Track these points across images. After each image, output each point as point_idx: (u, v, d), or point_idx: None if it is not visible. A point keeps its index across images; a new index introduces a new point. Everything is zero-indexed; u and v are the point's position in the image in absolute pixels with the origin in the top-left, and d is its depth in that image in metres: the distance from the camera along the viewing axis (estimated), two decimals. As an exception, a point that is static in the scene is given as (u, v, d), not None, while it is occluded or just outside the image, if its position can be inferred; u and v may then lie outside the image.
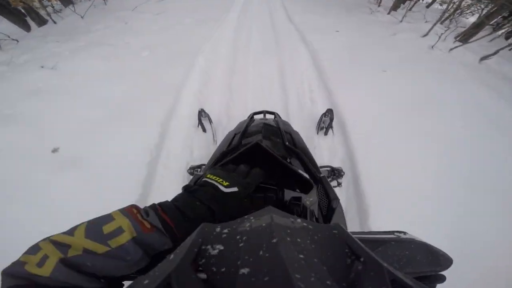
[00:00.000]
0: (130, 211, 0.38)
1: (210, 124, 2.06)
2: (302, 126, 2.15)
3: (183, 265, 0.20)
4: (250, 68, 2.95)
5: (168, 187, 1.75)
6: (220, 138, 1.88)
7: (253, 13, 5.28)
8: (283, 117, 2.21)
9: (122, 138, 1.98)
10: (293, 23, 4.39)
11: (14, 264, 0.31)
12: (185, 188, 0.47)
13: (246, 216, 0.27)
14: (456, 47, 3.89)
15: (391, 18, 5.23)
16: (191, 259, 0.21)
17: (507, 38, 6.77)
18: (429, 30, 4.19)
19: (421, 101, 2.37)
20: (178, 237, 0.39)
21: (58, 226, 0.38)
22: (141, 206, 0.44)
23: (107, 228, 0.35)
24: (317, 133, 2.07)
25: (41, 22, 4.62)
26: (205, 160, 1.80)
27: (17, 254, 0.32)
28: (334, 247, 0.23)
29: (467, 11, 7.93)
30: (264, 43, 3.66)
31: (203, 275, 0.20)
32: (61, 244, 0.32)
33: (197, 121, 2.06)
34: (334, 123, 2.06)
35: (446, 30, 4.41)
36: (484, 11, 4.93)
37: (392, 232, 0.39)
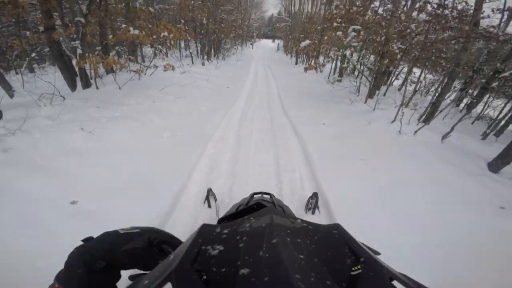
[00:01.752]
0: None
1: (215, 201, 2.38)
2: (294, 206, 2.41)
3: (183, 265, 0.20)
4: (251, 158, 3.33)
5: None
6: (223, 214, 2.18)
7: (255, 104, 6.15)
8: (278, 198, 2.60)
9: (136, 203, 2.19)
10: (288, 117, 5.09)
11: None
12: None
13: (246, 217, 0.26)
14: (420, 128, 3.96)
15: (367, 107, 5.53)
16: (191, 259, 0.21)
17: (468, 109, 7.25)
18: (395, 117, 4.36)
19: (392, 184, 2.83)
20: None
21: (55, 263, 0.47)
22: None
23: None
24: (306, 213, 2.41)
25: (86, 85, 5.02)
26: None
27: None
28: (334, 248, 0.23)
29: (430, 89, 8.54)
30: (263, 135, 4.11)
31: (203, 275, 0.20)
32: None
33: (203, 198, 2.39)
34: (319, 204, 2.44)
35: (413, 112, 4.59)
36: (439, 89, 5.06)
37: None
